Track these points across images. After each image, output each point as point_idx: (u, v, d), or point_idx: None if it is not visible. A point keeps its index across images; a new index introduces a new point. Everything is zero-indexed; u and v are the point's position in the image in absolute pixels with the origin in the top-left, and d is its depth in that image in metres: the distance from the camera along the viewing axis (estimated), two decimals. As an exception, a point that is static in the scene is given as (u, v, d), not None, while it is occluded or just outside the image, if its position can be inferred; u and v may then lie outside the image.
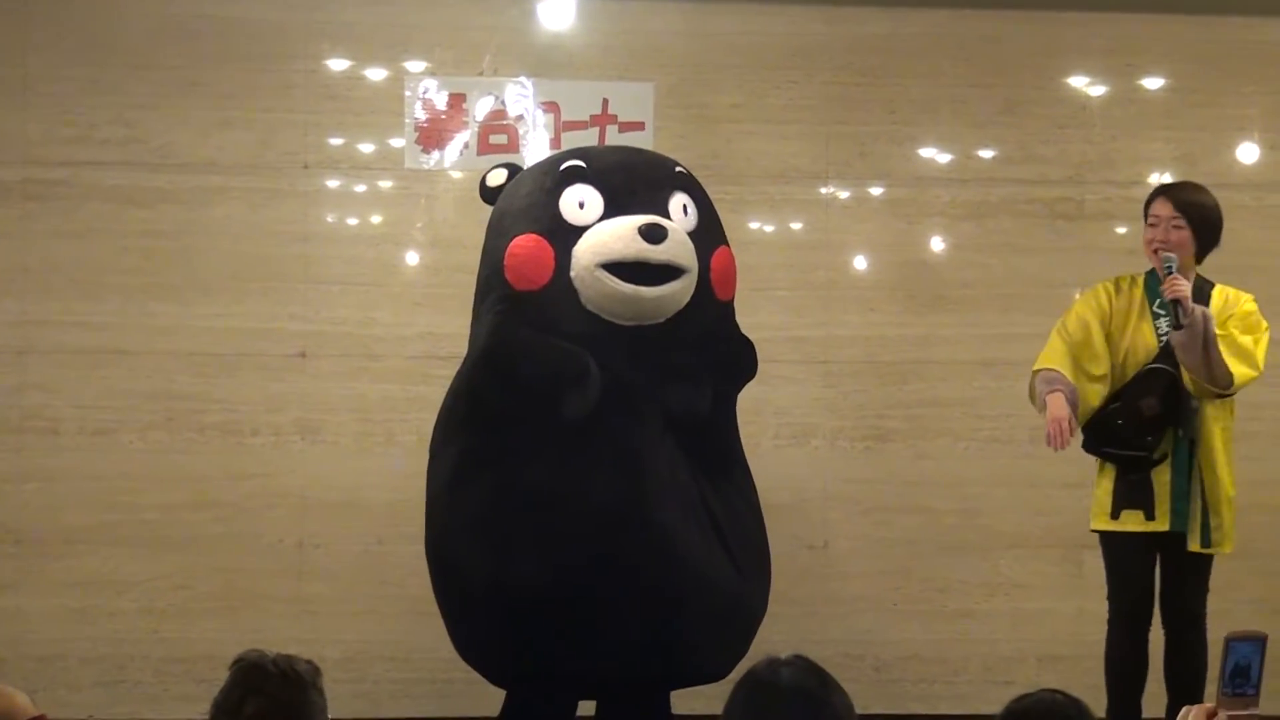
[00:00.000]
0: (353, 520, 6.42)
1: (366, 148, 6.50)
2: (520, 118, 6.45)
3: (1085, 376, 5.29)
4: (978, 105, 6.64)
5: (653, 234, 4.59)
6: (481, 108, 6.47)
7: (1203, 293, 5.29)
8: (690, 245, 4.73)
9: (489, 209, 6.45)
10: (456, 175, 6.50)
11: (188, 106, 6.43)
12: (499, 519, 4.79)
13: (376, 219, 6.52)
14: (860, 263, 6.63)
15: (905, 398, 6.45)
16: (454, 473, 4.94)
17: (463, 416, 4.96)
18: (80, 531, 6.38)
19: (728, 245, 4.96)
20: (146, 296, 6.40)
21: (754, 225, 6.54)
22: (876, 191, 6.63)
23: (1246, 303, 5.32)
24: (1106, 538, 5.33)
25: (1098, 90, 6.70)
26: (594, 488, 4.66)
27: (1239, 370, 5.13)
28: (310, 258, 6.43)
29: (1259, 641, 2.82)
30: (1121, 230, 6.60)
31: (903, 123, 6.61)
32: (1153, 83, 6.71)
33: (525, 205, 4.76)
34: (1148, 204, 5.37)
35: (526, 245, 4.66)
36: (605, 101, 6.45)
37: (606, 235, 4.58)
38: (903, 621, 6.53)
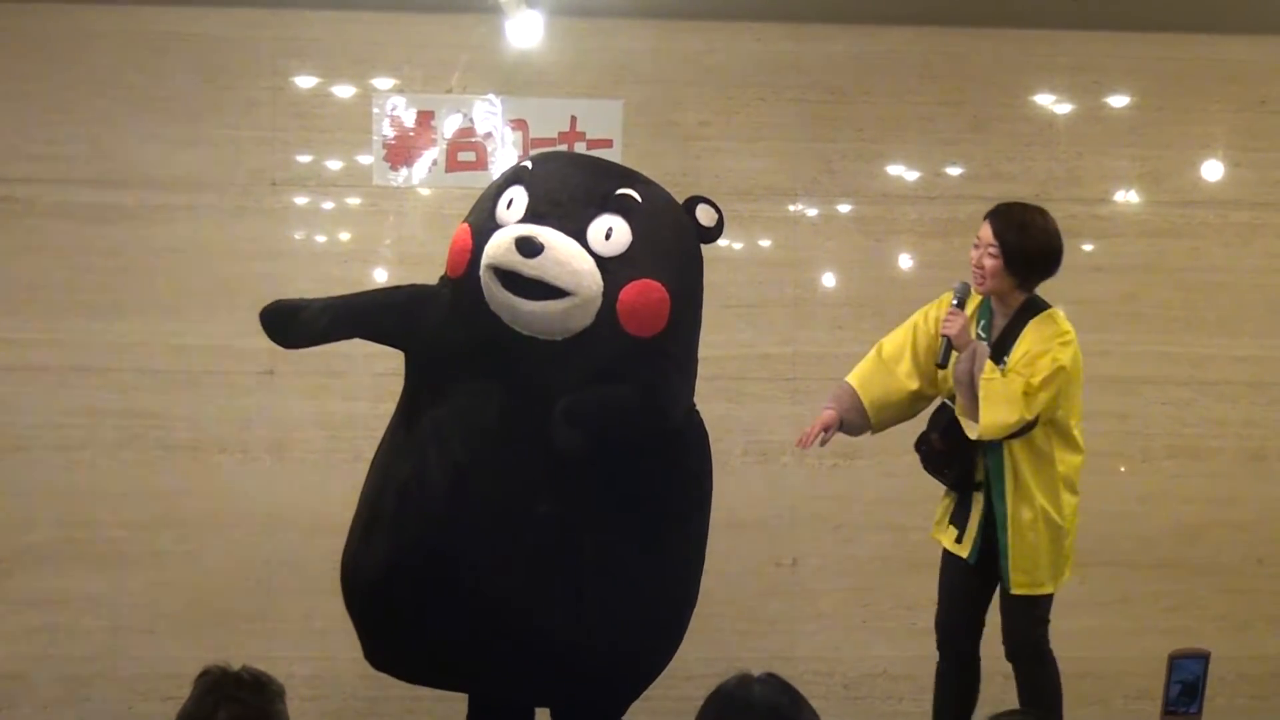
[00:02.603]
0: (319, 537, 6.37)
1: (334, 165, 6.49)
2: (489, 135, 6.45)
3: (909, 395, 5.25)
4: (945, 123, 6.66)
5: (526, 247, 4.47)
6: (450, 125, 6.47)
7: (1021, 320, 5.10)
8: (579, 267, 4.47)
9: (456, 226, 6.49)
10: (425, 193, 6.49)
11: (153, 124, 6.41)
12: (364, 502, 4.88)
13: (344, 236, 6.51)
14: (828, 280, 6.64)
15: (873, 414, 6.45)
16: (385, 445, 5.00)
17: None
18: (45, 549, 6.35)
19: (660, 280, 4.56)
20: (112, 314, 6.38)
21: (722, 242, 6.47)
22: (844, 209, 6.65)
23: (1048, 333, 5.06)
24: (942, 550, 5.28)
25: (1064, 108, 6.73)
26: (435, 494, 4.60)
27: (987, 418, 4.90)
28: (278, 275, 6.41)
29: (1203, 659, 2.83)
30: (1088, 247, 6.63)
31: (870, 140, 6.63)
32: (1118, 100, 6.74)
33: (482, 196, 4.79)
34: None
35: (459, 235, 4.68)
36: (574, 119, 6.45)
37: (495, 240, 4.54)
38: (871, 638, 6.55)
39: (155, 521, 6.37)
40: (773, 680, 2.75)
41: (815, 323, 6.54)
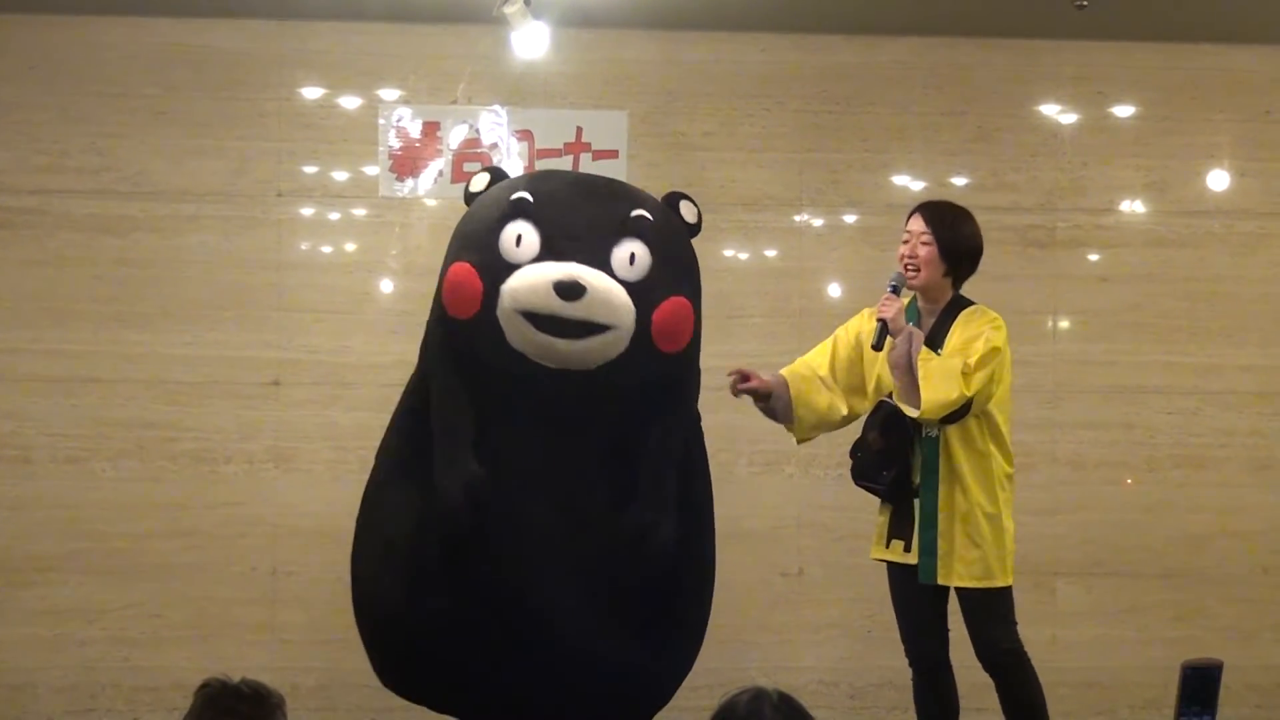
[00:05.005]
0: (325, 548, 6.39)
1: (340, 176, 6.50)
2: (494, 146, 6.47)
3: (852, 391, 5.25)
4: (949, 133, 6.67)
5: (568, 292, 4.40)
6: (456, 136, 6.48)
7: (952, 314, 5.12)
8: (619, 301, 4.45)
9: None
10: (431, 203, 6.50)
11: (161, 134, 6.43)
12: (411, 546, 4.71)
13: (350, 247, 6.52)
14: (834, 290, 6.65)
15: (878, 425, 6.45)
16: (379, 487, 4.89)
17: (396, 427, 4.94)
18: (51, 560, 6.36)
19: (683, 295, 4.61)
20: (119, 324, 6.39)
21: (728, 253, 6.56)
22: (850, 219, 6.65)
23: (979, 322, 5.08)
24: (887, 569, 5.24)
25: (1069, 118, 6.73)
26: (501, 541, 4.55)
27: (928, 395, 4.88)
28: (284, 286, 6.43)
29: (1216, 669, 2.83)
30: (1093, 257, 6.63)
31: (875, 150, 6.64)
32: (1123, 110, 6.75)
33: (472, 230, 4.62)
34: (906, 220, 5.20)
35: (459, 274, 4.51)
36: (579, 130, 6.46)
37: (525, 285, 4.43)
38: (877, 648, 6.52)
39: (161, 532, 6.38)
40: (784, 705, 2.72)
41: (821, 333, 6.47)
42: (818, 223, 6.66)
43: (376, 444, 6.31)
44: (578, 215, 4.55)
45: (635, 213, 4.58)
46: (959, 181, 6.64)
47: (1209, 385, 6.71)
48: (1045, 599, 6.45)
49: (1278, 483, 6.73)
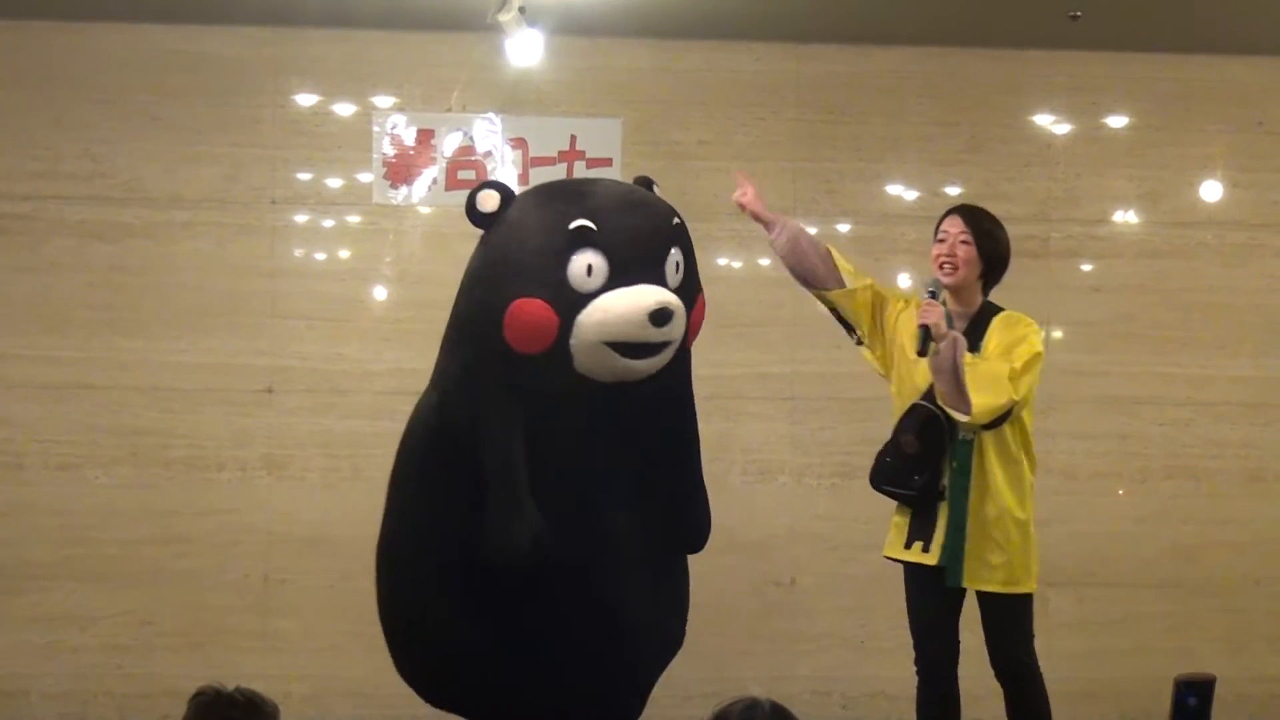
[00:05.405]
0: (319, 556, 6.40)
1: (334, 183, 6.50)
2: (488, 153, 6.47)
3: (859, 311, 5.24)
4: (943, 143, 6.67)
5: (661, 319, 4.49)
6: (450, 143, 6.48)
7: (984, 319, 5.12)
8: (683, 315, 4.61)
9: (457, 244, 6.46)
10: (424, 211, 6.50)
11: (154, 141, 6.42)
12: (463, 575, 4.70)
13: (344, 254, 6.52)
14: (827, 299, 6.64)
15: (871, 434, 6.38)
16: (424, 514, 4.82)
17: (426, 453, 4.89)
18: (44, 566, 6.35)
19: (702, 290, 4.81)
20: (112, 331, 6.39)
21: (721, 261, 6.56)
22: (844, 228, 6.66)
23: (1020, 326, 5.09)
24: (904, 571, 5.20)
25: (1062, 128, 6.74)
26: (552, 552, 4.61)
27: (979, 400, 4.85)
28: (277, 293, 6.43)
29: (1208, 683, 2.83)
30: (1086, 267, 6.64)
31: (869, 160, 6.65)
32: (1116, 121, 6.76)
33: (532, 263, 4.55)
34: (938, 224, 5.21)
35: (533, 311, 4.48)
36: (573, 138, 6.47)
37: (615, 316, 4.46)
38: (870, 658, 6.54)
39: (154, 539, 6.38)
40: (779, 715, 2.72)
41: (814, 343, 6.53)
42: (811, 231, 6.62)
43: (370, 451, 6.36)
44: (634, 234, 4.59)
45: (675, 221, 4.69)
46: (952, 191, 6.65)
47: (1201, 396, 6.72)
48: (1037, 609, 6.39)
49: (1270, 494, 6.74)
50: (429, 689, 5.00)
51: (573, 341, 4.47)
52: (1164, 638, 6.66)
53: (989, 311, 5.15)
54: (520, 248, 4.58)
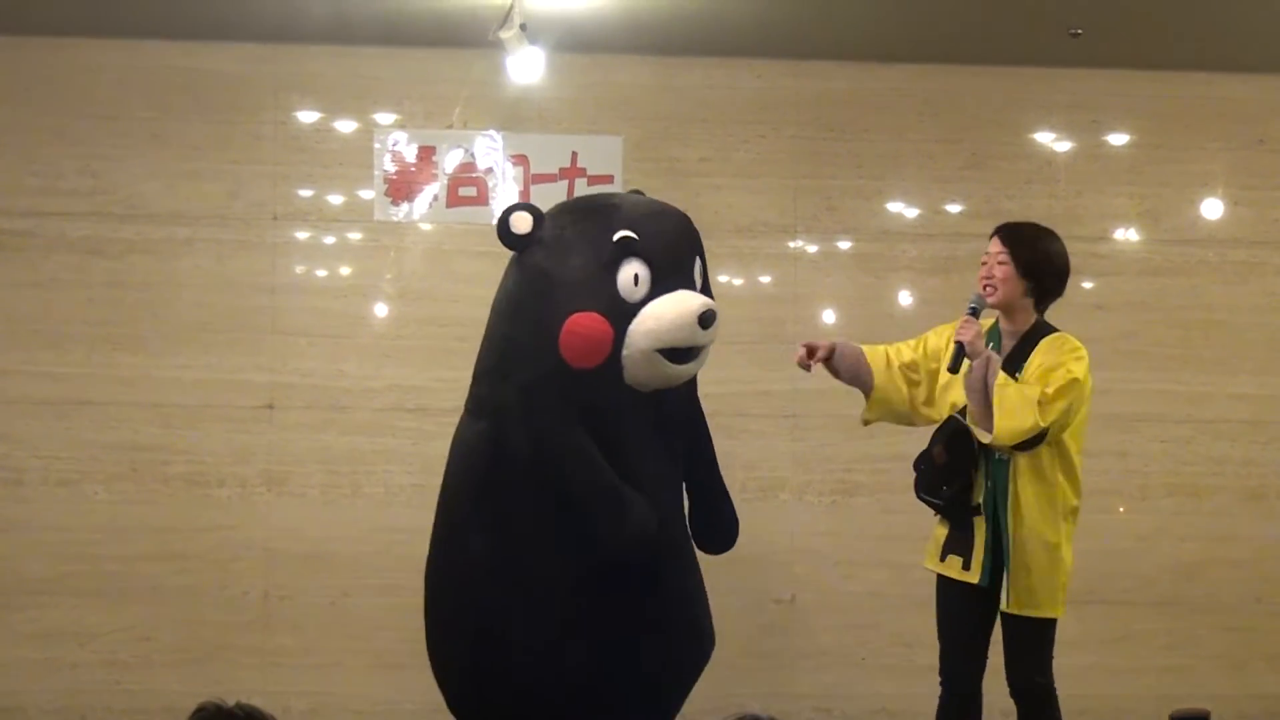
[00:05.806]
0: (318, 572, 6.40)
1: (335, 199, 6.50)
2: (489, 170, 6.47)
3: (906, 395, 5.26)
4: (944, 160, 6.68)
5: (708, 320, 4.63)
6: (451, 160, 6.48)
7: (1033, 339, 5.09)
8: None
9: (459, 261, 6.48)
10: (426, 227, 6.51)
11: (155, 157, 6.43)
12: (551, 598, 4.72)
13: (345, 271, 6.52)
14: (828, 316, 6.65)
15: (872, 451, 6.46)
16: (499, 540, 4.77)
17: (487, 483, 4.81)
18: (43, 582, 6.35)
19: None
20: (112, 347, 6.39)
21: (722, 278, 6.56)
22: (844, 245, 6.66)
23: (1062, 352, 5.04)
24: (937, 582, 5.19)
25: (1063, 146, 6.75)
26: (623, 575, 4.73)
27: (1002, 423, 4.85)
28: (278, 309, 6.43)
29: (1202, 719, 2.82)
30: (1087, 285, 6.64)
31: (870, 177, 6.65)
32: (1117, 138, 6.77)
33: (581, 278, 4.62)
34: (987, 244, 5.21)
35: (591, 324, 4.55)
36: (574, 155, 6.47)
37: (667, 323, 4.58)
38: (870, 676, 6.53)
39: (153, 555, 6.37)
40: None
41: (815, 359, 6.54)
42: (812, 249, 6.66)
43: (369, 468, 6.38)
44: (668, 242, 4.72)
45: (693, 227, 4.84)
46: (953, 208, 6.66)
47: (1202, 414, 6.72)
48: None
49: (1270, 512, 6.73)
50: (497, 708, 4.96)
51: (625, 353, 4.58)
52: (1164, 655, 6.65)
53: (1040, 332, 5.12)
54: (565, 264, 4.65)
